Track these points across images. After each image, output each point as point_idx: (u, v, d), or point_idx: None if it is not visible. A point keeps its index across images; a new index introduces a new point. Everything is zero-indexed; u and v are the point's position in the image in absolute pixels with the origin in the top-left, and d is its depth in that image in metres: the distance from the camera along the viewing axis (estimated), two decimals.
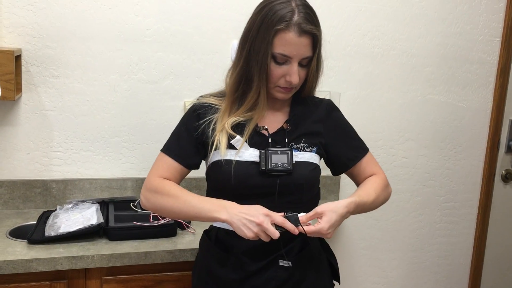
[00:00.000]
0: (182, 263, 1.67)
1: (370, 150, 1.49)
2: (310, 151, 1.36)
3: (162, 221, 1.74)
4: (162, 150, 1.40)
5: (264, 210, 1.21)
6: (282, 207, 1.30)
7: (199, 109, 1.40)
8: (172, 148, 1.39)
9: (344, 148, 1.44)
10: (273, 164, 1.30)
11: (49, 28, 1.89)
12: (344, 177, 2.37)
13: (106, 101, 2.00)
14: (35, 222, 1.78)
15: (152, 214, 1.77)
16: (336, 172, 1.48)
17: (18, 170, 1.96)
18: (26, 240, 1.63)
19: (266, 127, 1.36)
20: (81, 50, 1.94)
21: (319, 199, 1.45)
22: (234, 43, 2.09)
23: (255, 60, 1.28)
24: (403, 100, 2.40)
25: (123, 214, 1.80)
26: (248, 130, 1.34)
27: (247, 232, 1.19)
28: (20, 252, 1.55)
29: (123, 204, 1.89)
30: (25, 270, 1.51)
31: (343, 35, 2.25)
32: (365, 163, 1.45)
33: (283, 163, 1.30)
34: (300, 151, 1.35)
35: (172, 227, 1.75)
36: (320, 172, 1.39)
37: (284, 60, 1.28)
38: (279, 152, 1.31)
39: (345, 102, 2.30)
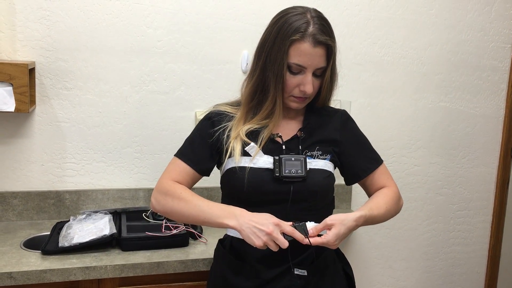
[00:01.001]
0: (194, 273, 1.67)
1: (382, 159, 1.48)
2: (324, 159, 1.37)
3: (174, 231, 1.75)
4: (175, 155, 1.42)
5: (274, 219, 1.21)
6: (296, 214, 1.31)
7: (214, 116, 1.41)
8: (185, 152, 1.41)
9: (358, 159, 1.43)
10: (287, 171, 1.30)
11: (62, 41, 1.92)
12: (356, 186, 2.35)
13: (118, 112, 2.02)
14: (49, 233, 1.79)
15: (164, 225, 1.78)
16: (349, 181, 1.48)
17: (32, 181, 1.98)
18: (40, 251, 1.64)
19: (280, 134, 1.37)
20: (93, 62, 1.97)
21: (334, 208, 1.45)
22: (245, 53, 2.11)
23: (271, 70, 1.30)
24: (414, 108, 2.40)
25: (135, 224, 1.81)
26: (262, 137, 1.35)
27: (256, 240, 1.19)
28: (34, 263, 1.57)
29: (135, 215, 1.90)
30: (39, 281, 1.52)
31: (353, 44, 2.25)
32: (378, 175, 1.44)
33: (296, 170, 1.30)
34: (314, 158, 1.35)
35: (184, 237, 1.75)
36: (334, 180, 1.39)
37: (299, 70, 1.29)
38: (293, 159, 1.31)
39: (355, 111, 2.30)
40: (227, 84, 2.11)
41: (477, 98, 2.48)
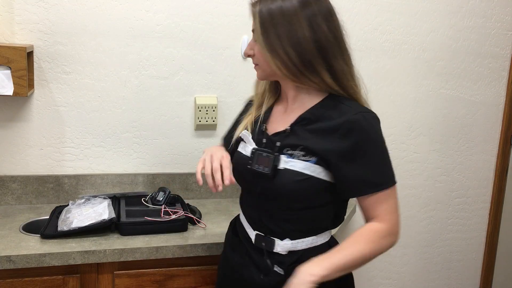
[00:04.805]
0: (193, 258, 1.68)
1: (391, 183, 1.25)
2: (307, 161, 1.23)
3: (173, 216, 1.75)
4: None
5: (223, 152, 1.38)
6: (272, 209, 1.31)
7: (247, 104, 1.51)
8: (225, 133, 1.55)
9: (351, 176, 1.22)
10: (256, 166, 1.28)
11: (61, 24, 1.91)
12: None
13: (117, 97, 2.01)
14: (48, 217, 1.79)
15: (163, 210, 1.78)
16: (341, 196, 1.29)
17: (30, 165, 1.98)
18: (39, 235, 1.64)
19: (265, 126, 1.34)
20: (92, 46, 1.95)
21: (327, 213, 1.31)
22: (245, 38, 2.10)
23: None
24: (415, 94, 2.39)
25: (134, 209, 1.81)
26: (251, 124, 1.38)
27: (200, 163, 1.36)
28: (33, 246, 1.57)
29: (134, 199, 1.90)
30: (38, 264, 1.53)
31: (353, 30, 2.23)
32: (372, 201, 1.23)
33: (264, 167, 1.26)
34: (293, 158, 1.24)
35: (183, 222, 1.75)
36: (318, 184, 1.24)
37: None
38: (264, 154, 1.27)
39: None
40: (226, 69, 2.10)
41: (478, 85, 2.47)
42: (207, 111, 2.08)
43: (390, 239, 1.24)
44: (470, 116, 2.49)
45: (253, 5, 1.24)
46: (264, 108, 1.38)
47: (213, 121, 2.10)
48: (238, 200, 1.51)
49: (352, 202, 2.28)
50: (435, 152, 2.48)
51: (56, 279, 1.58)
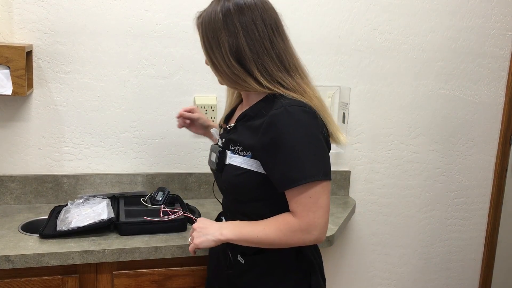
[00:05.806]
0: (192, 258, 1.68)
1: (310, 179, 1.18)
2: (244, 155, 1.28)
3: (172, 216, 1.75)
4: None
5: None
6: (229, 203, 1.42)
7: None
8: None
9: (274, 171, 1.23)
10: (210, 160, 1.41)
11: (60, 24, 1.90)
12: (354, 173, 2.36)
13: (116, 97, 2.01)
14: (47, 217, 1.79)
15: (162, 210, 1.78)
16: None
17: (29, 165, 1.97)
18: (38, 235, 1.64)
19: (221, 123, 1.47)
20: (91, 45, 1.95)
21: (270, 206, 1.30)
22: None
23: None
24: (414, 94, 2.39)
25: (133, 209, 1.81)
26: (222, 121, 1.49)
27: None
28: (32, 246, 1.57)
29: (133, 199, 1.90)
30: (37, 264, 1.53)
31: (353, 30, 2.23)
32: (288, 197, 1.23)
33: (213, 162, 1.38)
34: (234, 153, 1.31)
35: (182, 222, 1.75)
36: (256, 177, 1.27)
37: None
38: (214, 149, 1.39)
39: (355, 97, 2.29)
40: None
41: (477, 86, 2.47)
42: (206, 111, 2.08)
43: (302, 235, 1.21)
44: (470, 116, 2.49)
45: (198, 18, 1.33)
46: (231, 106, 1.48)
47: (213, 121, 2.09)
48: None
49: (352, 202, 2.27)
50: (435, 152, 2.48)
51: (55, 279, 1.58)
